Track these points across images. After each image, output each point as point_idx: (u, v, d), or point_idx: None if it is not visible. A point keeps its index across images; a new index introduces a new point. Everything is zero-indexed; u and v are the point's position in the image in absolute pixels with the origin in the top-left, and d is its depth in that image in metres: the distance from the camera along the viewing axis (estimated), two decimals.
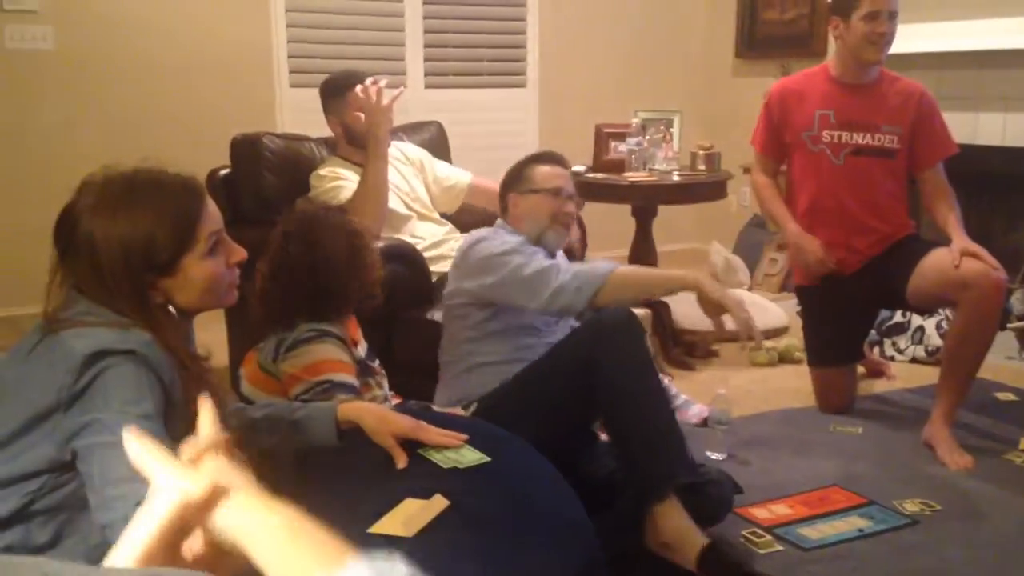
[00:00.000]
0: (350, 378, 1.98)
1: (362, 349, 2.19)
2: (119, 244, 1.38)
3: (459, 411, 2.30)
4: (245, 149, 3.16)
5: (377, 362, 2.23)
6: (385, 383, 2.21)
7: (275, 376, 2.00)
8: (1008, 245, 4.02)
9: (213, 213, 1.48)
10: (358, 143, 3.02)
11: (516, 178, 2.52)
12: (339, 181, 2.98)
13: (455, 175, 3.31)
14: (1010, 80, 4.07)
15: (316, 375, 1.94)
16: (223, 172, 3.18)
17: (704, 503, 2.10)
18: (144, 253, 1.39)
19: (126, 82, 4.44)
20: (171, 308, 1.48)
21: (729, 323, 2.19)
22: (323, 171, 3.04)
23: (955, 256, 2.74)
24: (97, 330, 1.35)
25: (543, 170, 2.50)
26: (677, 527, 1.99)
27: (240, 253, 1.53)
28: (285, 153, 3.18)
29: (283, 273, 2.05)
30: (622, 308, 2.18)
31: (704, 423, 2.87)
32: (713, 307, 2.19)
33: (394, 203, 3.03)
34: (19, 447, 1.33)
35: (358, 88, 3.00)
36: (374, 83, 3.01)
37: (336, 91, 3.09)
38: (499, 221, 2.55)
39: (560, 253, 2.60)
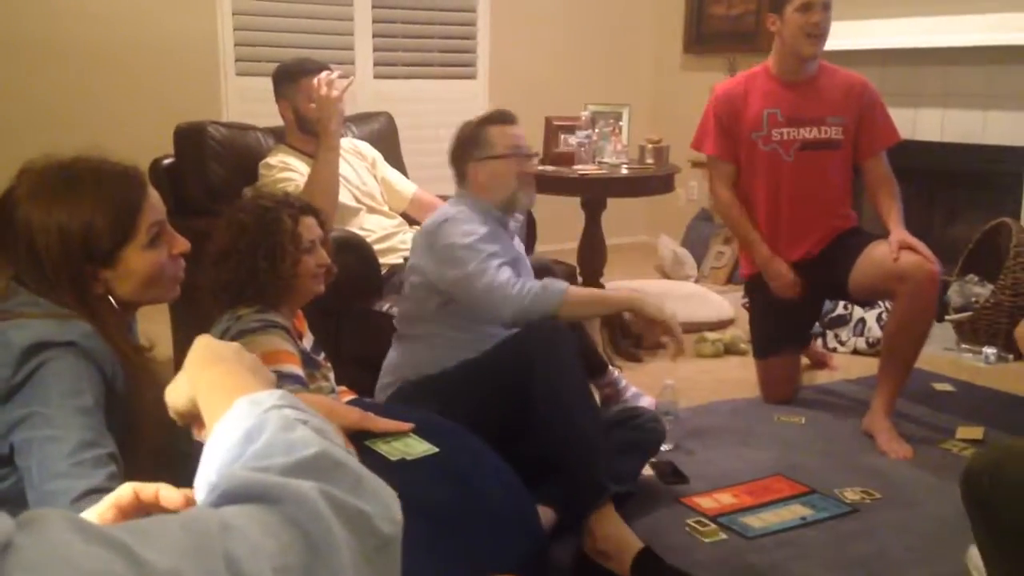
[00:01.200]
0: (296, 369, 1.95)
1: (307, 341, 2.17)
2: (57, 234, 1.35)
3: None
4: (189, 138, 3.11)
5: (323, 355, 2.21)
6: (331, 375, 2.19)
7: None
8: (946, 239, 4.12)
9: (155, 203, 1.44)
10: (309, 130, 2.99)
11: (470, 144, 2.43)
12: (288, 172, 2.95)
13: (401, 184, 3.30)
14: (949, 77, 4.18)
15: (268, 364, 1.91)
16: (167, 161, 3.12)
17: (646, 438, 2.37)
18: (83, 243, 1.36)
19: (68, 69, 4.33)
20: (112, 300, 1.44)
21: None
22: (272, 160, 3.00)
23: (892, 248, 2.80)
24: (36, 321, 1.32)
25: (498, 131, 2.42)
26: (613, 534, 2.01)
27: (183, 244, 1.49)
28: (230, 142, 3.13)
29: (230, 261, 2.02)
30: (552, 319, 2.20)
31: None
32: (648, 324, 2.31)
33: (344, 196, 3.00)
34: None
35: (314, 80, 2.97)
36: (327, 75, 2.97)
37: (288, 77, 3.05)
38: (461, 192, 2.48)
39: (517, 240, 2.60)
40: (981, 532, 1.53)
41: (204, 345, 0.88)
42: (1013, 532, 1.44)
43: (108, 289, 1.41)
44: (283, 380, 1.90)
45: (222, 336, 1.97)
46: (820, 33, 2.92)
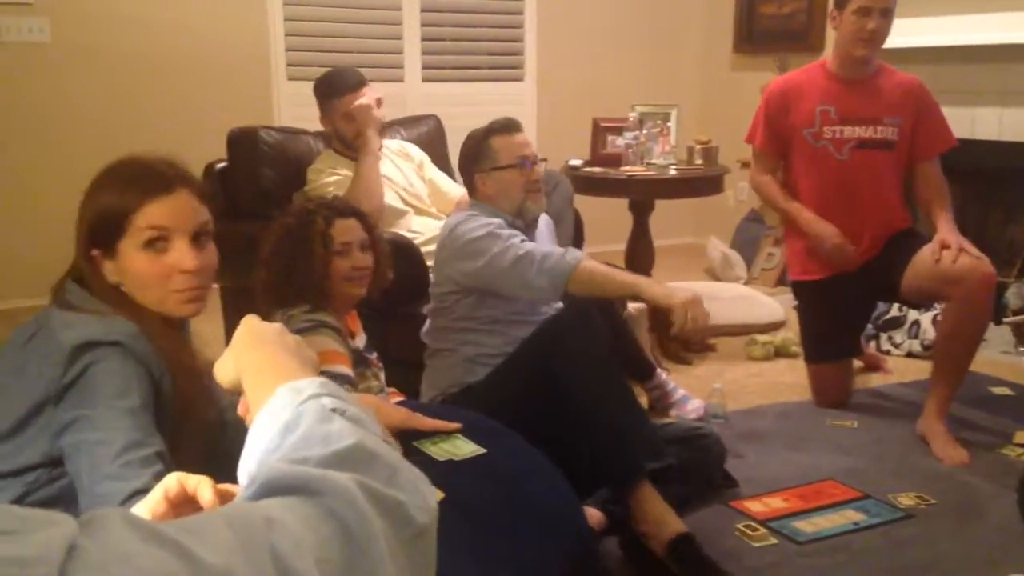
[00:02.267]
0: (346, 369, 1.98)
1: (360, 340, 2.20)
2: (79, 218, 1.41)
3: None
4: (242, 143, 3.16)
5: (375, 354, 2.23)
6: (382, 375, 2.21)
7: None
8: (1004, 239, 4.03)
9: (172, 209, 1.39)
10: (349, 145, 3.07)
11: (476, 156, 2.46)
12: (335, 176, 2.99)
13: (448, 185, 3.32)
14: (1006, 75, 4.08)
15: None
16: (220, 166, 3.18)
17: (708, 460, 2.34)
18: (89, 226, 1.40)
19: (123, 75, 4.44)
20: (129, 295, 1.44)
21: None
22: (319, 165, 3.05)
23: (935, 249, 2.75)
24: (84, 318, 1.35)
25: (501, 142, 2.44)
26: (653, 513, 2.03)
27: (185, 262, 1.39)
28: (282, 147, 3.18)
29: (272, 262, 2.06)
30: (577, 305, 2.20)
31: (702, 418, 2.88)
32: (657, 318, 2.24)
33: (391, 198, 3.04)
34: (22, 439, 1.33)
35: (348, 99, 3.04)
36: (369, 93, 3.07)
37: (326, 95, 3.12)
38: (472, 201, 2.53)
39: (545, 226, 2.60)
40: None
41: (249, 326, 0.89)
42: None
43: (118, 281, 1.41)
44: (332, 379, 1.93)
45: None
46: (874, 40, 2.87)
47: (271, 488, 0.57)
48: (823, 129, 2.99)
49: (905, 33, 4.05)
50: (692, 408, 2.97)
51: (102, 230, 1.39)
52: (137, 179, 1.40)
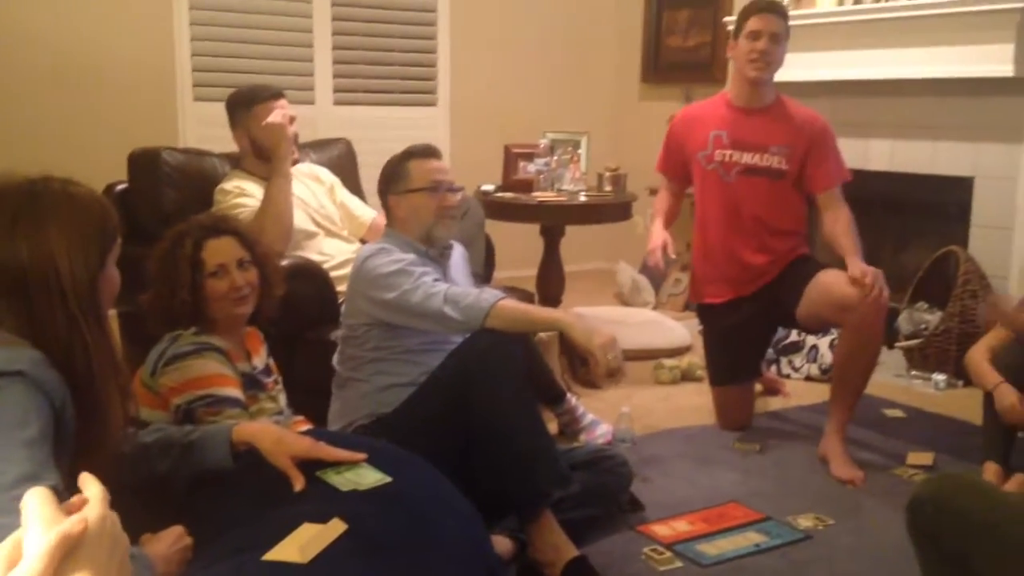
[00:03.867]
0: (233, 391, 1.95)
1: (258, 361, 2.16)
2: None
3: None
4: (143, 164, 3.08)
5: (274, 377, 2.19)
6: (281, 398, 2.17)
7: (153, 390, 1.95)
8: (896, 266, 4.20)
9: None
10: (265, 156, 2.99)
11: (392, 178, 2.47)
12: (243, 198, 2.93)
13: (360, 209, 3.29)
14: (899, 108, 4.27)
15: (198, 389, 1.91)
16: (120, 187, 3.09)
17: (614, 483, 2.39)
18: None
19: (22, 91, 4.28)
20: None
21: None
22: (228, 185, 2.98)
23: (849, 281, 2.81)
24: None
25: (417, 166, 2.44)
26: (551, 543, 2.06)
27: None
28: (186, 168, 3.11)
29: (152, 286, 2.04)
30: (494, 331, 2.20)
31: (610, 443, 2.91)
32: (576, 349, 2.26)
33: (301, 219, 2.99)
34: None
35: (267, 107, 2.99)
36: (282, 110, 3.02)
37: (243, 104, 3.04)
38: (387, 229, 2.53)
39: (460, 256, 2.60)
40: (925, 560, 1.55)
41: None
42: (955, 561, 1.46)
43: None
44: (220, 403, 1.90)
45: (158, 358, 1.96)
46: (764, 60, 2.99)
47: None
48: (714, 152, 3.10)
49: (805, 67, 4.21)
50: (601, 433, 3.00)
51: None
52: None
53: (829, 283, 2.88)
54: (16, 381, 1.27)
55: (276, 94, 3.06)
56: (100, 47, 4.43)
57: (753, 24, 2.99)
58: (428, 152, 2.49)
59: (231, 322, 2.08)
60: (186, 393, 1.91)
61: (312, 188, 3.16)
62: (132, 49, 4.51)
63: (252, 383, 2.06)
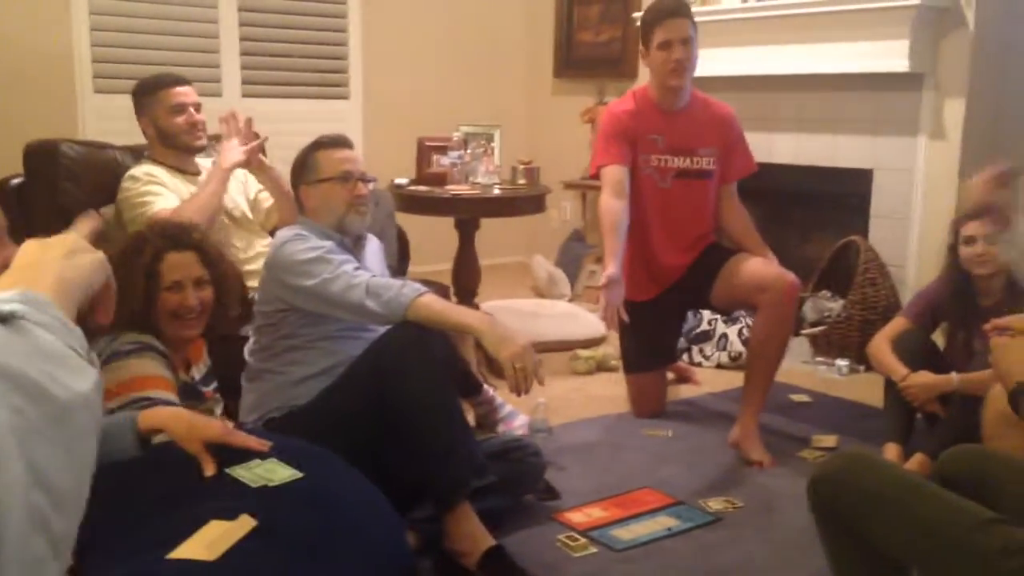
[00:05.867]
0: (167, 395, 1.89)
1: (198, 371, 2.11)
2: None
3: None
4: (40, 157, 2.96)
5: (214, 386, 2.14)
6: (219, 408, 2.12)
7: None
8: (800, 256, 4.32)
9: None
10: (171, 143, 2.93)
11: (301, 169, 2.44)
12: (154, 185, 2.84)
13: (269, 201, 3.23)
14: (802, 103, 4.40)
15: (132, 391, 1.85)
16: (15, 181, 2.97)
17: (526, 471, 2.39)
18: None
19: None
20: None
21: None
22: (137, 172, 2.87)
23: (763, 264, 2.96)
24: None
25: (327, 155, 2.42)
26: (467, 532, 2.08)
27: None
28: (86, 161, 3.00)
29: (118, 291, 1.95)
30: (414, 324, 2.19)
31: (528, 433, 2.93)
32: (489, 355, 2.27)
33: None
34: None
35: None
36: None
37: (148, 91, 2.97)
38: (300, 217, 2.49)
39: (376, 247, 2.58)
40: (827, 535, 1.61)
41: (39, 242, 0.87)
42: (853, 533, 1.52)
43: None
44: (156, 405, 1.84)
45: (98, 356, 1.89)
46: (682, 68, 3.01)
47: None
48: (651, 156, 3.11)
49: (711, 62, 4.30)
50: (519, 424, 3.01)
51: None
52: None
53: (745, 266, 3.01)
54: None
55: (179, 80, 2.99)
56: None
57: (662, 34, 2.97)
58: (337, 142, 2.46)
59: (176, 340, 2.02)
60: (122, 396, 1.84)
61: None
62: (29, 39, 4.33)
63: (190, 393, 2.01)
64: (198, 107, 2.98)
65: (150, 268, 1.97)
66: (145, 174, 2.87)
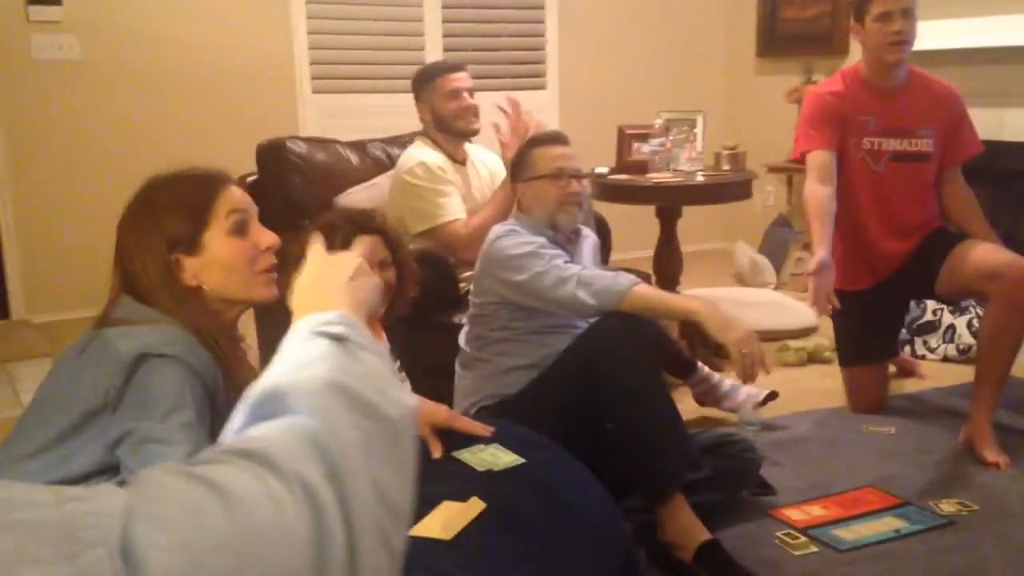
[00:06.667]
0: None
1: None
2: (141, 237, 1.42)
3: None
4: (271, 154, 3.17)
5: (397, 364, 2.23)
6: (405, 386, 2.21)
7: None
8: None
9: (236, 195, 1.46)
10: (446, 128, 3.06)
11: (518, 165, 2.51)
12: (445, 185, 2.94)
13: None
14: None
15: None
16: (251, 179, 3.19)
17: (740, 467, 2.31)
18: (163, 235, 1.41)
19: (151, 91, 4.48)
20: (206, 295, 1.45)
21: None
22: (426, 158, 2.96)
23: (994, 251, 2.75)
24: (141, 329, 1.36)
25: (542, 152, 2.46)
26: (682, 525, 2.04)
27: (270, 237, 1.47)
28: (311, 156, 3.20)
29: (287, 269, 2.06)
30: (623, 313, 2.17)
31: (764, 402, 2.88)
32: (710, 341, 2.22)
33: (462, 210, 2.98)
34: (71, 447, 1.34)
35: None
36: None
37: (426, 78, 3.12)
38: (515, 213, 2.54)
39: (591, 244, 2.59)
40: None
41: (319, 257, 0.91)
42: None
43: (199, 281, 1.44)
44: None
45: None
46: (902, 41, 2.83)
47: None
48: (862, 139, 2.95)
49: (934, 35, 4.01)
50: (745, 396, 2.92)
51: (183, 228, 1.41)
52: (201, 176, 1.45)
53: (974, 252, 2.78)
54: (172, 363, 1.32)
55: (455, 66, 3.14)
56: (224, 47, 4.58)
57: (881, 5, 2.80)
58: (553, 139, 2.50)
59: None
60: None
61: (481, 175, 3.19)
62: (254, 47, 4.65)
63: None
64: (471, 92, 3.10)
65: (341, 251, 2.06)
66: (436, 166, 2.97)
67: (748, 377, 2.12)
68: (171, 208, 1.42)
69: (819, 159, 2.90)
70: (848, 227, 2.99)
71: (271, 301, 1.49)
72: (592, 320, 2.24)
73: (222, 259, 1.43)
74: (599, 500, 1.66)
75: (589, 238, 2.60)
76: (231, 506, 0.49)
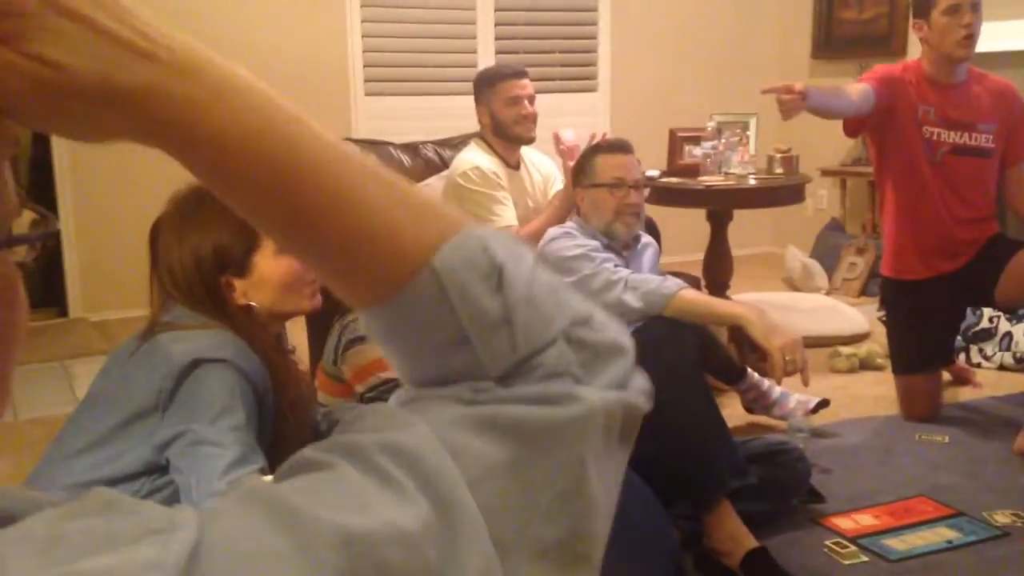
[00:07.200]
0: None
1: None
2: (191, 255, 1.44)
3: None
4: None
5: None
6: None
7: (338, 379, 2.03)
8: None
9: None
10: (503, 133, 3.09)
11: (580, 171, 2.52)
12: (499, 192, 2.96)
13: None
14: None
15: (381, 371, 1.96)
16: None
17: (791, 477, 2.28)
18: (214, 256, 1.44)
19: None
20: (256, 313, 1.49)
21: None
22: (481, 162, 2.99)
23: None
24: (193, 334, 1.40)
25: (602, 161, 2.48)
26: (729, 532, 2.04)
27: None
28: None
29: None
30: (668, 319, 2.18)
31: (815, 410, 2.84)
32: (754, 345, 2.22)
33: (513, 216, 3.01)
34: (120, 447, 1.37)
35: (510, 85, 3.05)
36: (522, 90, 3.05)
37: (488, 81, 3.15)
38: (574, 217, 2.56)
39: (651, 252, 2.59)
40: None
41: None
42: None
43: (248, 299, 1.47)
44: (387, 387, 1.95)
45: (336, 345, 2.03)
46: (972, 36, 2.80)
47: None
48: (922, 128, 2.92)
49: (992, 37, 3.94)
50: (795, 403, 2.89)
51: (234, 250, 1.44)
52: None
53: None
54: (223, 368, 1.36)
55: (518, 72, 3.15)
56: (278, 50, 4.66)
57: None
58: (615, 147, 2.52)
59: None
60: (369, 379, 1.97)
61: (534, 180, 3.21)
62: (308, 51, 4.72)
63: None
64: (532, 99, 3.12)
65: None
66: (491, 171, 3.00)
67: (785, 375, 2.13)
68: (221, 232, 1.43)
69: (861, 85, 2.92)
70: (904, 208, 2.97)
71: (318, 311, 1.52)
72: (634, 326, 2.24)
73: (273, 279, 1.46)
74: (647, 503, 1.67)
75: (651, 246, 2.60)
76: None
